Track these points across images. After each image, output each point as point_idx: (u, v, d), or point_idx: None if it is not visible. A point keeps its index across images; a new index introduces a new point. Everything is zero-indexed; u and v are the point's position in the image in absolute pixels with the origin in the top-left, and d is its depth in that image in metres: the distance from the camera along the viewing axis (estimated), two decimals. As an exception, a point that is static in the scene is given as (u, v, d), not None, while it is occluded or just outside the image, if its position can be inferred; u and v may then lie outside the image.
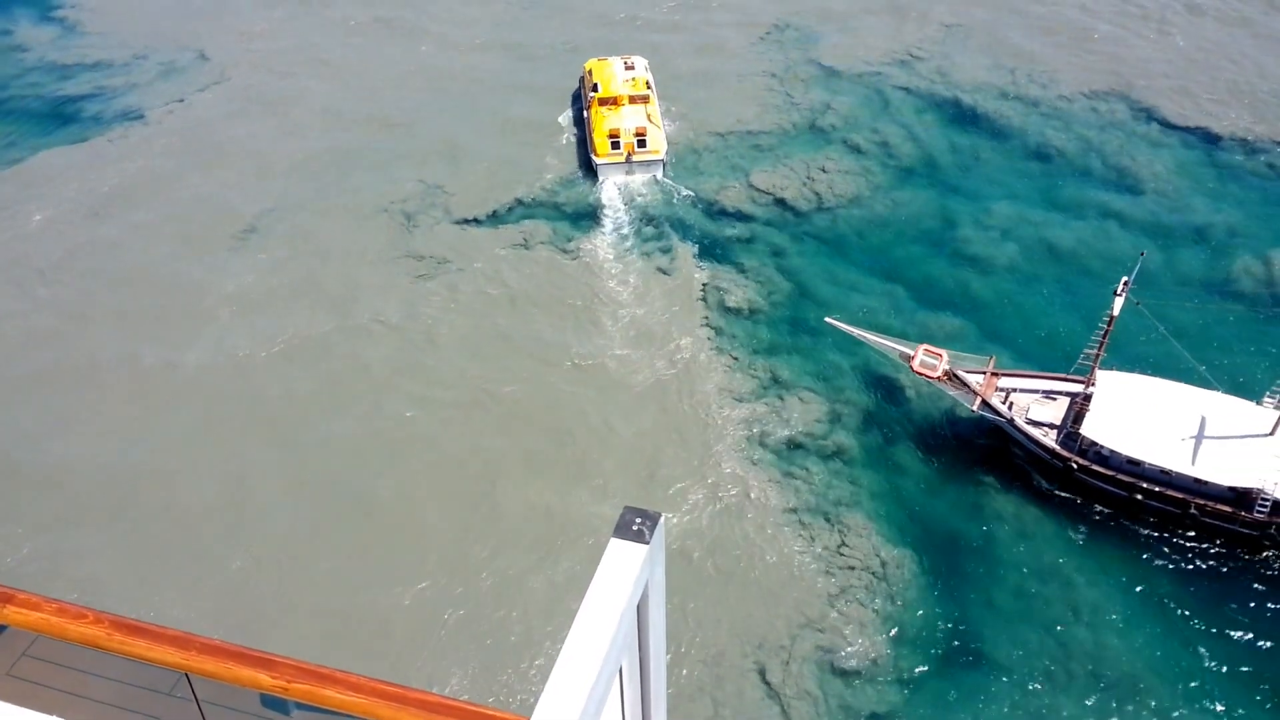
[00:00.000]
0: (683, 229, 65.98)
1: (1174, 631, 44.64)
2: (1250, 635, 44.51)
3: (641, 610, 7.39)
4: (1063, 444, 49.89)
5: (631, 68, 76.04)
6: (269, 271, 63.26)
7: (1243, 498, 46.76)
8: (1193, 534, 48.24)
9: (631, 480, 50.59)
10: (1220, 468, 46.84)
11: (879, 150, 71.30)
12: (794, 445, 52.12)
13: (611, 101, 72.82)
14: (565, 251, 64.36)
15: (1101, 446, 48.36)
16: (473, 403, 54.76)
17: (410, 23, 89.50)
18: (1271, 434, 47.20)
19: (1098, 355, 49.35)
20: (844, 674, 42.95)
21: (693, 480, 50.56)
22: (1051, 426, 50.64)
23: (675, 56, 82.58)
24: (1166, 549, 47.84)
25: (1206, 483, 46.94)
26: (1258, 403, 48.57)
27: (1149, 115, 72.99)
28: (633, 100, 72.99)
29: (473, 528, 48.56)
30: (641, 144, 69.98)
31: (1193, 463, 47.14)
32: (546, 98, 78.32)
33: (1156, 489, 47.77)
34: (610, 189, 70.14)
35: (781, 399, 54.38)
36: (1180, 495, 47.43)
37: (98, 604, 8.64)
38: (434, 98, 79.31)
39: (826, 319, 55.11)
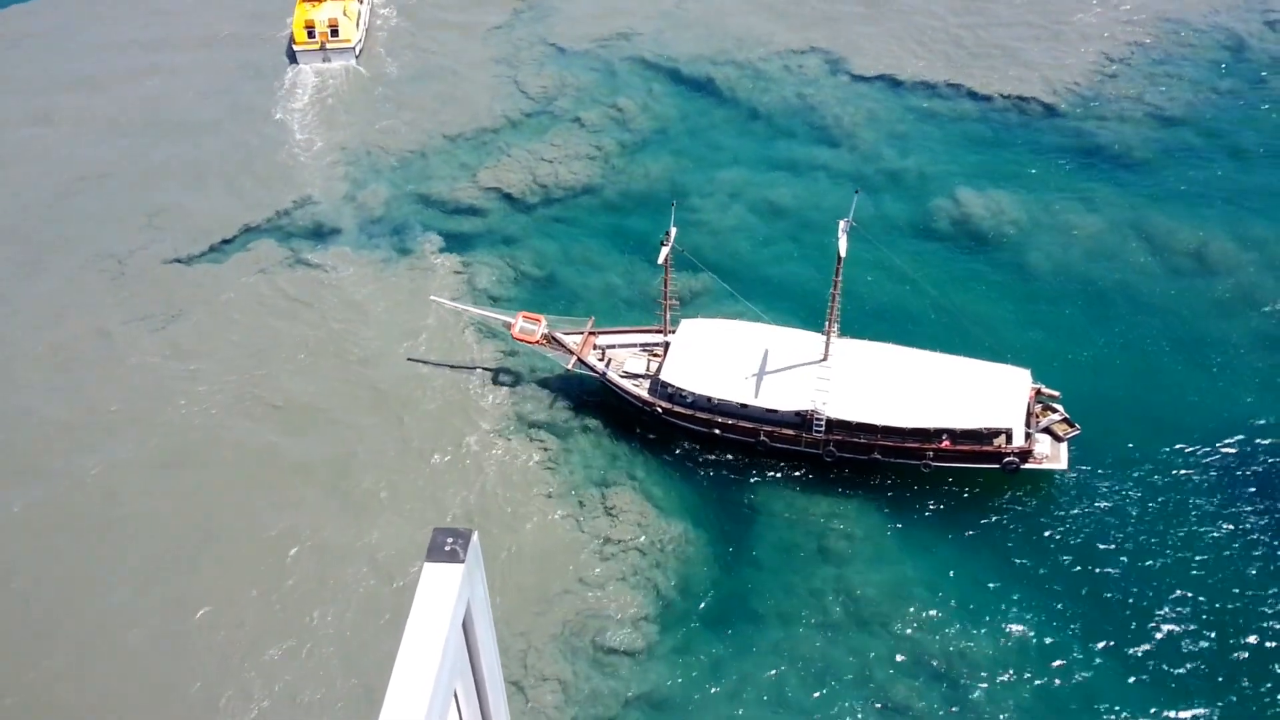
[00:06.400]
0: (424, 229, 65.91)
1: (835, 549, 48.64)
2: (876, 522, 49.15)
3: (468, 630, 7.47)
4: (650, 391, 53.48)
5: None
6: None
7: (804, 419, 51.13)
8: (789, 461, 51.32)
9: (398, 497, 51.26)
10: (785, 396, 51.13)
11: (614, 126, 73.13)
12: (546, 426, 53.87)
13: None
14: (312, 269, 63.08)
15: (680, 389, 52.14)
16: (250, 477, 53.19)
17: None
18: (825, 359, 51.80)
19: (665, 304, 53.15)
20: (609, 654, 45.04)
21: (454, 480, 51.58)
22: (645, 377, 54.23)
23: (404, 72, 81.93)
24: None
25: (776, 411, 51.16)
26: (821, 332, 52.48)
27: (837, 67, 77.45)
28: None
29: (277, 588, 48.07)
30: (335, 33, 78.48)
31: (756, 395, 51.25)
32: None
33: (731, 421, 51.80)
34: (308, 82, 77.44)
35: (542, 383, 56.09)
36: (752, 425, 51.52)
37: None
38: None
39: (431, 297, 57.59)
